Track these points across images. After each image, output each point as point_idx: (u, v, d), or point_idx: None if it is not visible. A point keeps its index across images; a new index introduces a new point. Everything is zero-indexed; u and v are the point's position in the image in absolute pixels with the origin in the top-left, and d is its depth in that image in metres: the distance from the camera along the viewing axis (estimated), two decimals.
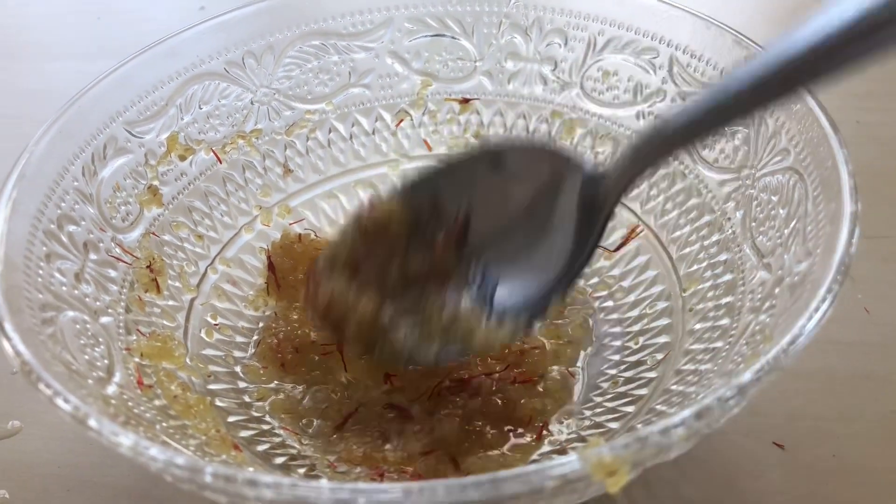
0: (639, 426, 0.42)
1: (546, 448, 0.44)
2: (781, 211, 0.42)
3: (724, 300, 0.44)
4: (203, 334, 0.50)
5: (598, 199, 0.40)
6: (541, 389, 0.46)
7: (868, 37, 0.28)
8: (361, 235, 0.45)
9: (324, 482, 0.34)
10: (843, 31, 0.28)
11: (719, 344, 0.41)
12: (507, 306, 0.43)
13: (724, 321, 0.42)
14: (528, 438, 0.45)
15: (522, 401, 0.45)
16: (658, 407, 0.42)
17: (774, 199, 0.43)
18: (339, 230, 0.46)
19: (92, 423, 0.32)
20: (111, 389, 0.39)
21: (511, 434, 0.45)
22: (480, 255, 0.44)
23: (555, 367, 0.48)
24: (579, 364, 0.49)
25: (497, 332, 0.42)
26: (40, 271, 0.41)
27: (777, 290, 0.39)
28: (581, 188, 0.41)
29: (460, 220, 0.44)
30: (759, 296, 0.41)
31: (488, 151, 0.45)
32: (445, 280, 0.44)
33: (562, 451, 0.43)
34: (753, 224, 0.44)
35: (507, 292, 0.44)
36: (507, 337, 0.43)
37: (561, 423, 0.46)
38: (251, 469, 0.40)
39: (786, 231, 0.41)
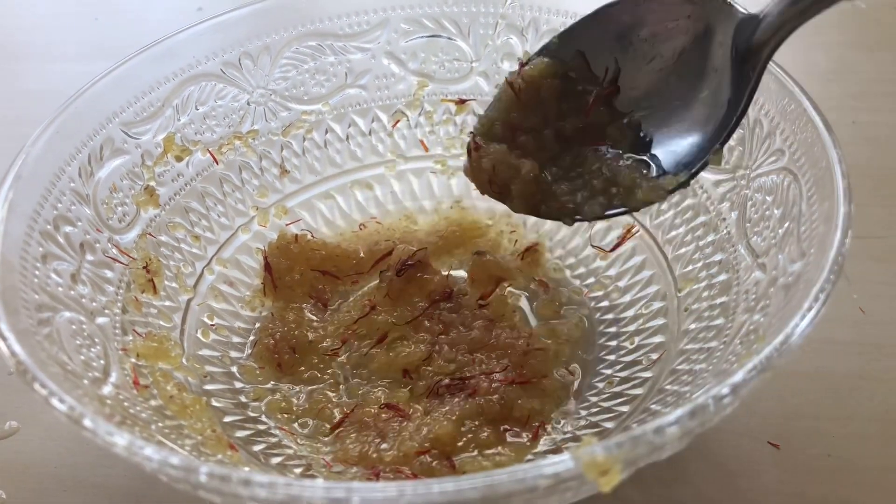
0: (633, 425, 0.42)
1: (542, 448, 0.44)
2: (776, 211, 0.42)
3: (718, 300, 0.44)
4: (199, 335, 0.50)
5: (754, 44, 0.39)
6: (537, 392, 0.47)
7: None
8: (514, 99, 0.45)
9: (319, 481, 0.35)
10: None
11: (714, 344, 0.41)
12: (665, 160, 0.43)
13: (719, 321, 0.43)
14: (524, 438, 0.45)
15: (520, 401, 0.46)
16: (653, 406, 0.42)
17: (769, 199, 0.43)
18: (494, 97, 0.47)
19: (87, 423, 0.32)
20: (107, 389, 0.39)
21: (507, 434, 0.45)
22: (633, 110, 0.44)
23: (551, 371, 0.48)
24: (576, 364, 0.49)
25: (658, 184, 0.42)
26: (36, 272, 0.41)
27: (771, 290, 0.39)
28: (735, 34, 0.40)
29: (610, 76, 0.44)
30: (754, 296, 0.41)
31: (634, 1, 0.44)
32: (601, 137, 0.44)
33: (557, 451, 0.44)
34: (748, 224, 0.44)
35: (664, 146, 0.43)
36: (667, 189, 0.42)
37: (557, 422, 0.46)
38: (247, 469, 0.40)
39: (780, 231, 0.41)
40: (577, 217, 0.43)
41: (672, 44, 0.42)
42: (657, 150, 0.43)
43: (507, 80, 0.46)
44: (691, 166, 0.41)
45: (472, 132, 0.47)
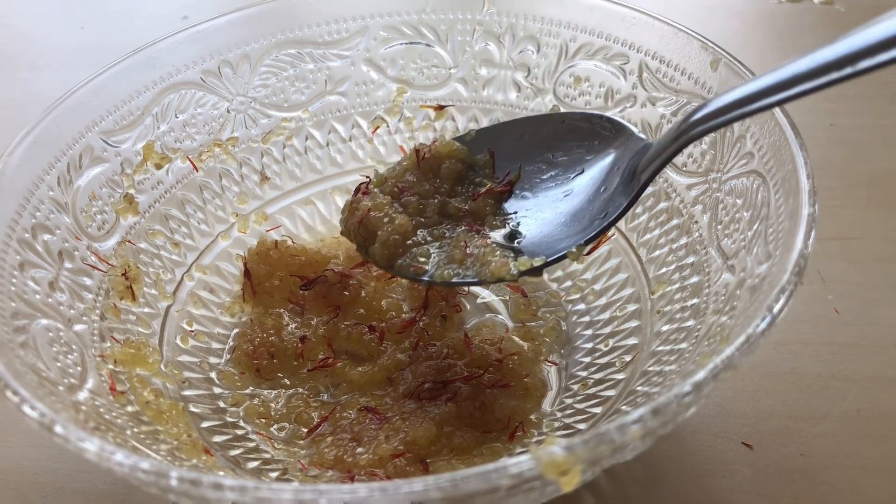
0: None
1: (518, 450, 0.45)
2: (745, 214, 0.43)
3: (690, 302, 0.44)
4: (178, 341, 0.50)
5: (638, 169, 0.42)
6: (517, 393, 0.47)
7: None
8: (416, 164, 0.49)
9: (285, 484, 0.35)
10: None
11: (684, 345, 0.42)
12: (527, 249, 0.45)
13: (690, 323, 0.43)
14: (500, 441, 0.45)
15: (500, 401, 0.46)
16: (624, 408, 0.42)
17: (739, 201, 0.44)
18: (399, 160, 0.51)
19: (58, 429, 0.32)
20: (82, 396, 0.39)
21: (484, 436, 0.45)
22: (517, 211, 0.47)
23: (530, 371, 0.48)
24: (552, 367, 0.49)
25: (510, 266, 0.43)
26: (13, 280, 0.41)
27: (738, 292, 0.40)
28: (630, 159, 0.44)
29: (510, 179, 0.48)
30: (723, 297, 0.41)
31: (553, 118, 0.49)
32: (480, 222, 0.47)
33: None
34: (719, 227, 0.45)
35: (534, 244, 0.45)
36: (519, 269, 0.43)
37: (534, 425, 0.46)
38: (221, 473, 0.40)
39: (749, 234, 0.42)
40: (426, 279, 0.45)
41: (576, 164, 0.47)
42: (526, 245, 0.45)
43: (415, 146, 0.50)
44: (546, 257, 0.43)
45: (368, 177, 0.50)
